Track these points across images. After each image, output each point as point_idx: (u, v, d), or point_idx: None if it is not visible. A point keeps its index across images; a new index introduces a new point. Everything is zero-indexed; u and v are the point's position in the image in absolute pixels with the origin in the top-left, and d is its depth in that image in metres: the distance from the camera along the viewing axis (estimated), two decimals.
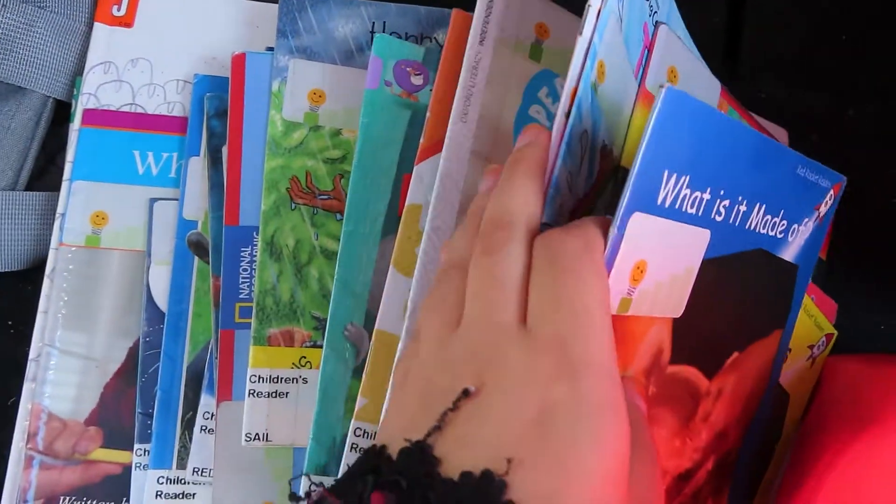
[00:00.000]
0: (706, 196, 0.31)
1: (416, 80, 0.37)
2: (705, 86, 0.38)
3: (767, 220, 0.36)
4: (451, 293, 0.23)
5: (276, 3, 0.42)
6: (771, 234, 0.36)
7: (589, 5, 0.27)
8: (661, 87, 0.26)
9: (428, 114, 0.35)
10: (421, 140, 0.35)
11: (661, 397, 0.32)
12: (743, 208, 0.34)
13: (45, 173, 0.41)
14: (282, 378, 0.35)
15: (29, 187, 0.41)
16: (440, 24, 0.39)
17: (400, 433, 0.20)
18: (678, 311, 0.31)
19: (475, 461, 0.19)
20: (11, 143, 0.40)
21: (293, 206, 0.37)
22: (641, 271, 0.28)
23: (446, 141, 0.34)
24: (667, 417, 0.33)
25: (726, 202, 0.32)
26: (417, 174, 0.35)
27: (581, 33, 0.27)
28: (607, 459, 0.19)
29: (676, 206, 0.29)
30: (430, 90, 0.36)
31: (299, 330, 0.36)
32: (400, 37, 0.39)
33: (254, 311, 0.35)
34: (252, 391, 0.35)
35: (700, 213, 0.31)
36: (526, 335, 0.21)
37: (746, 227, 0.35)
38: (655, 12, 0.33)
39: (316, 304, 0.36)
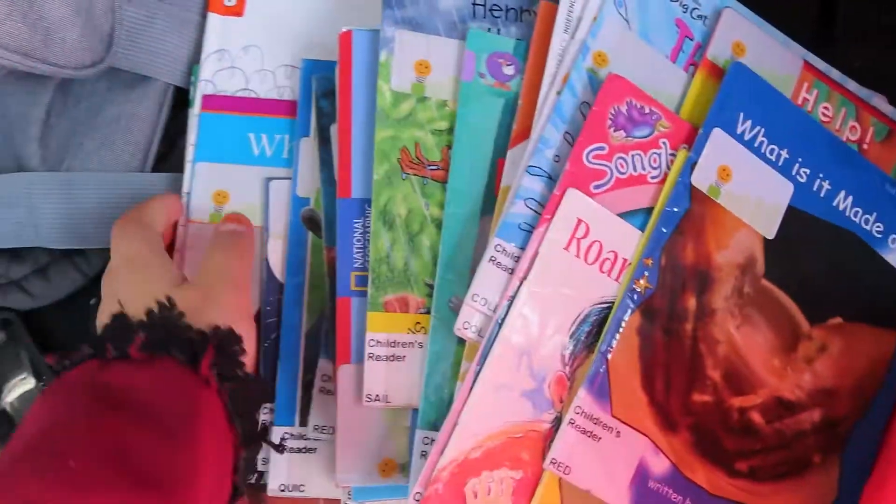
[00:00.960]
0: (784, 154, 0.38)
1: (508, 71, 0.39)
2: (780, 59, 0.40)
3: (858, 212, 0.39)
4: None
5: None
6: (865, 227, 0.39)
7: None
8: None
9: (519, 101, 0.38)
10: (513, 126, 0.37)
11: (757, 304, 0.37)
12: (826, 185, 0.38)
13: (168, 156, 0.45)
14: (398, 342, 0.37)
15: (154, 169, 0.44)
16: None
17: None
18: (769, 232, 0.37)
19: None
20: (139, 129, 0.43)
21: (404, 176, 0.39)
22: (728, 174, 0.37)
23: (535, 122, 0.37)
24: (762, 327, 0.37)
25: (806, 169, 0.38)
26: (511, 158, 0.37)
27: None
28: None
29: (756, 146, 0.37)
30: (521, 80, 0.38)
31: (413, 297, 0.38)
32: (500, 9, 0.40)
33: (370, 278, 0.38)
34: (371, 354, 0.37)
35: (781, 165, 0.38)
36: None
37: (834, 204, 0.38)
38: (695, 9, 0.39)
39: (428, 271, 0.38)
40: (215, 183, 0.41)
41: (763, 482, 0.36)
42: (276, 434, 0.38)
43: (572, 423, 0.34)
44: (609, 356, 0.34)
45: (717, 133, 0.36)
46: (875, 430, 0.38)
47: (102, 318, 0.33)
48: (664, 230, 0.35)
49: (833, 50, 0.41)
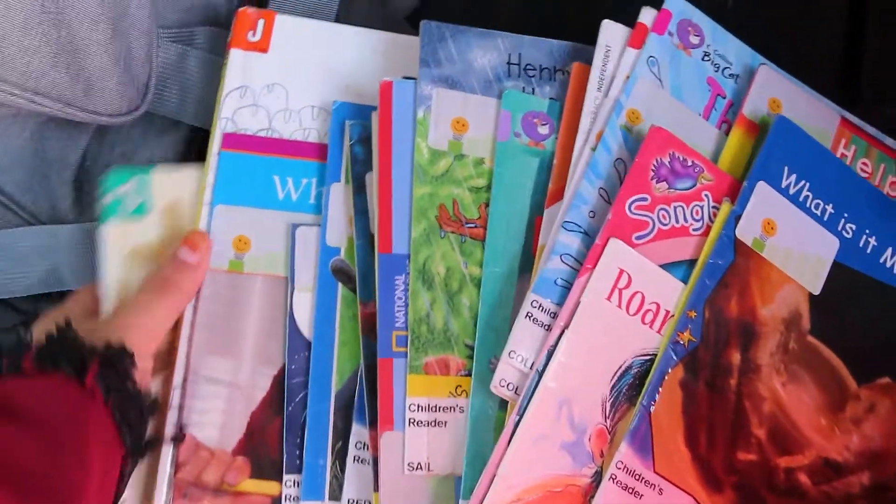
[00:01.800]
0: (829, 208, 0.39)
1: (543, 130, 0.39)
2: (816, 115, 0.41)
3: None
4: None
5: (404, 34, 0.43)
6: None
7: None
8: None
9: (554, 160, 0.38)
10: (549, 185, 0.37)
11: (803, 361, 0.37)
12: (873, 242, 0.39)
13: None
14: (439, 407, 0.35)
15: None
16: (571, 57, 0.40)
17: None
18: (815, 288, 0.38)
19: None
20: None
21: (442, 234, 0.37)
22: (773, 227, 0.37)
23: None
24: (808, 385, 0.37)
25: (852, 225, 0.39)
26: (548, 216, 0.37)
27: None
28: None
29: (800, 200, 0.38)
30: (555, 138, 0.38)
31: (454, 358, 0.36)
32: (534, 69, 0.40)
33: (409, 339, 0.35)
34: (412, 420, 0.34)
35: (826, 219, 0.38)
36: None
37: (881, 261, 0.38)
38: (726, 68, 0.40)
39: (468, 332, 0.36)
40: (236, 227, 0.38)
41: None
42: None
43: (613, 479, 0.33)
44: (651, 409, 0.34)
45: (762, 186, 0.37)
46: None
47: None
48: (708, 282, 0.35)
49: (858, 109, 0.42)
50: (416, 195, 0.37)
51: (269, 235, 0.38)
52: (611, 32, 0.39)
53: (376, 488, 0.34)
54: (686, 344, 0.35)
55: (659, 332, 0.34)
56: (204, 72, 0.43)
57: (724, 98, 0.40)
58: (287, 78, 0.41)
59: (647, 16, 0.39)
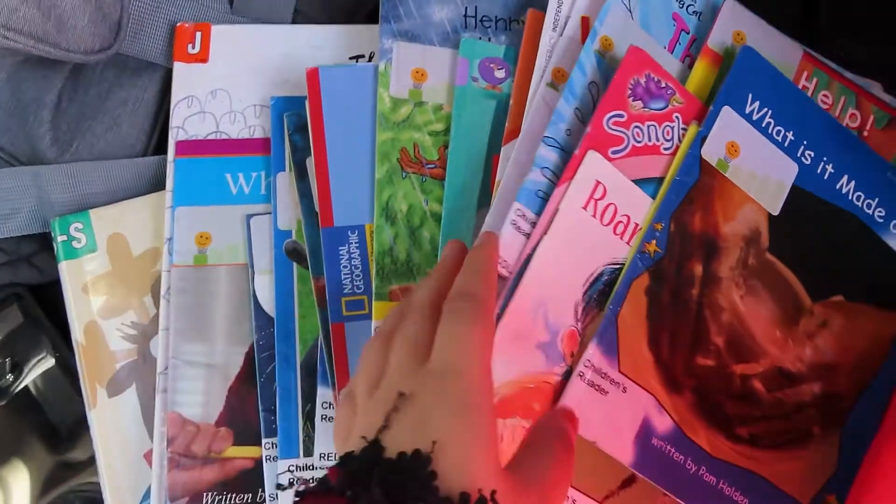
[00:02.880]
0: (790, 136, 0.40)
1: (499, 74, 0.41)
2: (780, 48, 0.42)
3: (860, 196, 0.41)
4: (374, 360, 0.31)
5: (335, 24, 0.46)
6: (868, 211, 0.41)
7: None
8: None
9: (511, 101, 0.40)
10: (506, 125, 0.40)
11: (761, 276, 0.39)
12: (830, 169, 0.41)
13: (166, 138, 0.45)
14: None
15: (155, 151, 0.46)
16: (524, 7, 0.42)
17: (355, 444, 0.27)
18: (773, 208, 0.39)
19: (409, 445, 0.26)
20: (144, 113, 0.46)
21: (404, 174, 0.40)
22: (736, 150, 0.39)
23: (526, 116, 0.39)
24: (765, 299, 0.39)
25: (811, 152, 0.40)
26: (504, 154, 0.39)
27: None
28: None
29: (763, 126, 0.39)
30: (511, 82, 0.40)
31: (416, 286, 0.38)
32: (490, 20, 0.43)
33: (373, 270, 0.39)
34: None
35: (786, 146, 0.40)
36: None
37: (837, 187, 0.40)
38: (690, 5, 0.41)
39: (429, 262, 0.39)
40: (197, 225, 0.42)
41: (763, 449, 0.37)
42: (282, 467, 0.38)
43: (581, 376, 0.35)
44: (618, 314, 0.36)
45: (727, 110, 0.38)
46: (875, 408, 0.40)
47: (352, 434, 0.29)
48: (674, 197, 0.37)
49: (818, 47, 0.43)
50: (379, 140, 0.41)
51: (227, 228, 0.42)
52: None
53: None
54: (652, 254, 0.37)
55: (628, 242, 0.36)
56: (180, 13, 0.45)
57: (688, 34, 0.41)
58: (228, 83, 0.44)
59: None
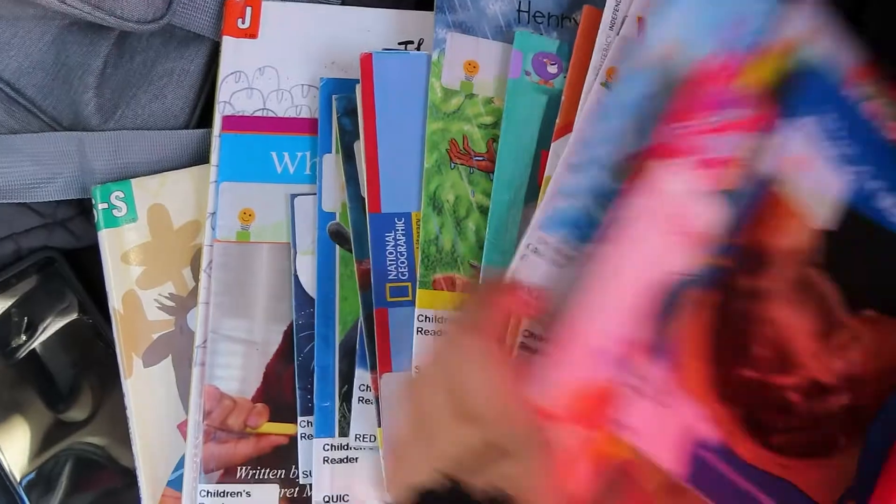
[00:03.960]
0: (847, 150, 0.38)
1: (552, 69, 0.41)
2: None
3: None
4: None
5: (385, 8, 0.46)
6: None
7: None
8: None
9: (563, 97, 0.40)
10: (556, 120, 0.40)
11: (801, 286, 0.38)
12: (875, 185, 0.40)
13: (211, 112, 0.45)
14: (444, 319, 0.39)
15: (198, 124, 0.46)
16: (578, 5, 0.43)
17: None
18: (823, 223, 0.38)
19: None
20: (189, 84, 0.45)
21: (452, 165, 0.41)
22: (795, 164, 0.37)
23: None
24: (803, 309, 0.39)
25: (859, 167, 0.39)
26: (554, 150, 0.40)
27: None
28: None
29: (823, 142, 0.38)
30: (564, 77, 0.41)
31: (460, 276, 0.40)
32: (542, 16, 0.43)
33: (419, 258, 0.40)
34: (419, 329, 0.38)
35: (839, 161, 0.38)
36: None
37: (881, 206, 0.40)
38: None
39: (473, 254, 0.40)
40: (240, 202, 0.42)
41: (794, 458, 0.38)
42: (317, 445, 0.39)
43: (636, 389, 0.35)
44: (674, 324, 0.36)
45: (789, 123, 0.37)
46: (893, 419, 0.41)
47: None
48: (733, 210, 0.37)
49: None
50: (429, 130, 0.41)
51: (271, 206, 0.42)
52: None
53: (379, 424, 0.38)
54: (710, 267, 0.36)
55: (693, 254, 0.36)
56: None
57: (752, 30, 0.37)
58: (277, 60, 0.44)
59: None
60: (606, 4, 0.40)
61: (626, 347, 0.36)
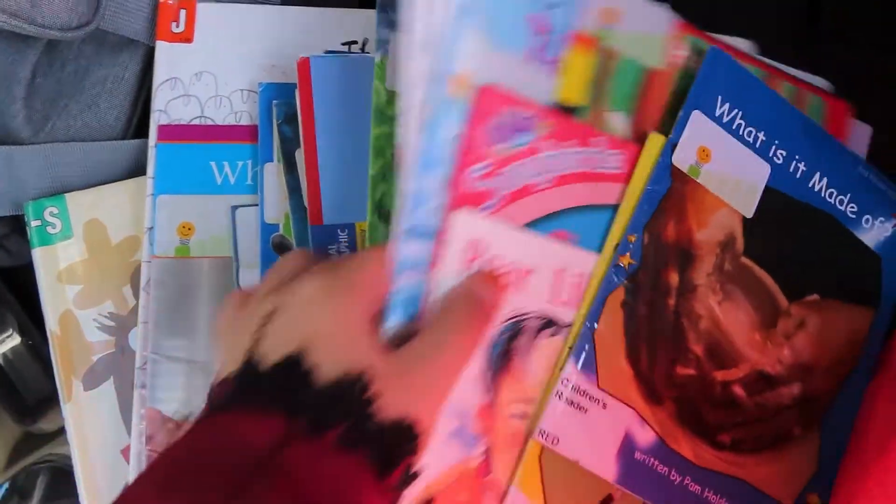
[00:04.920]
0: (761, 136, 0.39)
1: None
2: (649, 17, 0.38)
3: (833, 193, 0.41)
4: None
5: (324, 7, 0.44)
6: (840, 208, 0.41)
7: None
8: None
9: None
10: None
11: (737, 281, 0.38)
12: (802, 167, 0.40)
13: (147, 120, 0.43)
14: None
15: (136, 133, 0.45)
16: None
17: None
18: (747, 211, 0.38)
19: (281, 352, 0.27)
20: (124, 92, 0.44)
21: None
22: (707, 155, 0.38)
23: None
24: (743, 303, 0.38)
25: (783, 151, 0.40)
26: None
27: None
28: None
29: (734, 128, 0.38)
30: None
31: None
32: None
33: None
34: None
35: (758, 146, 0.39)
36: None
37: (810, 185, 0.40)
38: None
39: None
40: (179, 215, 0.40)
41: (745, 454, 0.38)
42: None
43: (559, 395, 0.34)
44: (594, 330, 0.35)
45: (697, 115, 0.37)
46: (851, 405, 0.40)
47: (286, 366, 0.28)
48: (646, 208, 0.36)
49: (818, 48, 0.43)
50: (374, 135, 0.38)
51: (211, 219, 0.41)
52: None
53: None
54: (627, 267, 0.36)
55: (519, 291, 0.34)
56: None
57: (550, 33, 0.35)
58: (214, 65, 0.42)
59: None
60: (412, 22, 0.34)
61: (480, 415, 0.34)
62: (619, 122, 0.37)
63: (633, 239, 0.36)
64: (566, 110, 0.36)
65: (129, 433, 0.39)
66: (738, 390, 0.38)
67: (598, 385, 0.35)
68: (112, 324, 0.41)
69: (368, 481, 0.26)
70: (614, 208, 0.36)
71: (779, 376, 0.39)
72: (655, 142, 0.37)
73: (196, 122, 0.42)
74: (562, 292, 0.35)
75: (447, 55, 0.33)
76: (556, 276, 0.35)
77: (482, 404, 0.34)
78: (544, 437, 0.34)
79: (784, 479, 0.38)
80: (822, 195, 0.40)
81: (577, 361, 0.35)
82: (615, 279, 0.36)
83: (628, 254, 0.36)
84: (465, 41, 0.33)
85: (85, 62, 0.43)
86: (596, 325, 0.35)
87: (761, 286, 0.39)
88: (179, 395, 0.39)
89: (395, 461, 0.27)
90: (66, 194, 0.41)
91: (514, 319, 0.35)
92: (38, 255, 0.41)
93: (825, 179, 0.40)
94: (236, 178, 0.41)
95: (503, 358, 0.34)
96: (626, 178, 0.36)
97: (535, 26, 0.36)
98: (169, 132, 0.41)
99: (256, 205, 0.40)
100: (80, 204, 0.41)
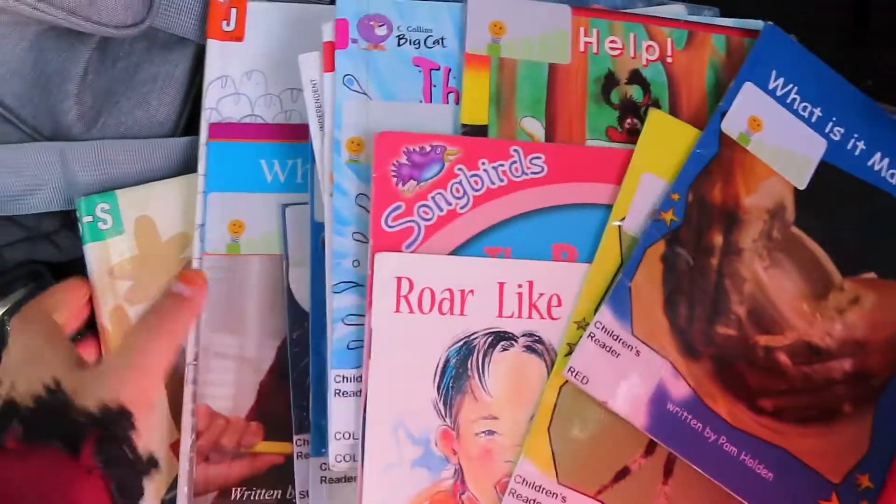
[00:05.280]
0: (817, 112, 0.40)
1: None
2: (548, 18, 0.39)
3: (894, 173, 0.39)
4: None
5: None
6: None
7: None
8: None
9: None
10: None
11: (786, 249, 0.38)
12: (861, 146, 0.40)
13: (198, 118, 0.43)
14: None
15: (185, 130, 0.45)
16: None
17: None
18: (800, 183, 0.39)
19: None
20: (174, 90, 0.44)
21: None
22: (758, 124, 0.38)
23: None
24: (791, 272, 0.39)
25: (840, 129, 0.40)
26: None
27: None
28: None
29: (788, 101, 0.39)
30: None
31: None
32: None
33: None
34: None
35: (813, 121, 0.39)
36: None
37: (869, 164, 0.39)
38: (427, 38, 0.38)
39: None
40: (230, 213, 0.41)
41: (788, 423, 0.37)
42: (314, 465, 0.38)
43: (591, 337, 0.35)
44: (629, 283, 0.35)
45: (748, 86, 0.38)
46: None
47: None
48: (692, 169, 0.37)
49: (864, 51, 0.43)
50: None
51: (261, 217, 0.41)
52: (310, 64, 0.38)
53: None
54: (668, 223, 0.36)
55: (462, 314, 0.35)
56: None
57: (439, 69, 0.38)
58: (264, 63, 0.43)
59: (327, 32, 0.38)
60: (307, 105, 0.38)
61: (441, 439, 0.35)
62: (533, 127, 0.38)
63: (675, 197, 0.37)
64: (474, 131, 0.37)
65: (178, 429, 0.40)
66: (783, 357, 0.38)
67: (632, 332, 0.35)
68: None
69: (65, 466, 0.30)
70: (548, 211, 0.36)
71: (828, 349, 0.38)
72: (656, 118, 0.37)
73: (246, 120, 0.42)
74: (507, 305, 0.35)
75: (336, 126, 0.37)
76: (499, 290, 0.36)
77: (443, 428, 0.35)
78: (574, 375, 0.35)
79: (831, 456, 0.37)
80: (883, 175, 0.40)
81: (611, 306, 0.35)
82: (656, 233, 0.36)
83: (671, 210, 0.37)
84: (348, 108, 0.37)
85: (136, 59, 0.43)
86: (634, 275, 0.36)
87: (812, 258, 0.39)
88: (229, 391, 0.39)
89: (85, 441, 0.30)
90: (117, 191, 0.42)
91: (463, 340, 0.35)
92: (90, 250, 0.41)
93: (886, 159, 0.40)
94: (286, 177, 0.41)
95: (458, 380, 0.35)
96: (554, 179, 0.36)
97: (424, 65, 0.38)
98: (220, 130, 0.41)
99: (307, 203, 0.41)
100: (132, 200, 0.42)
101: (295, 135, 0.42)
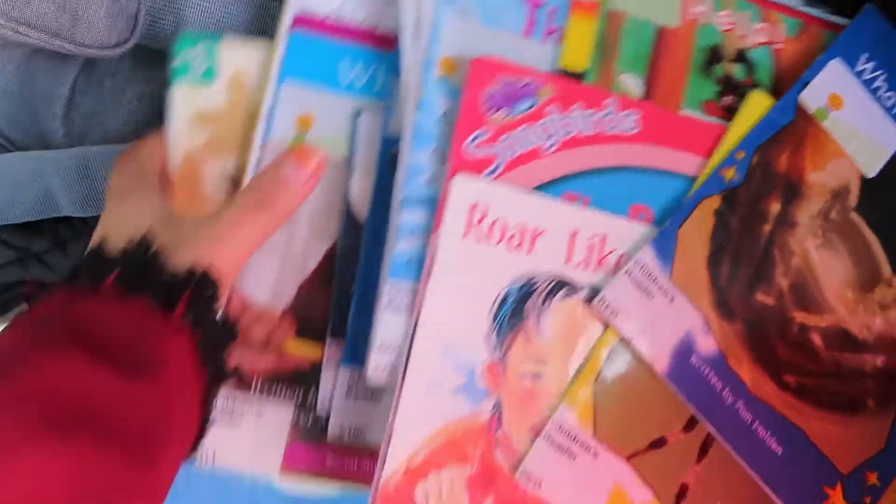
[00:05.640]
0: None
1: None
2: None
3: None
4: None
5: None
6: None
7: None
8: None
9: None
10: None
11: (842, 233, 0.38)
12: None
13: None
14: None
15: None
16: None
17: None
18: (869, 170, 0.38)
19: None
20: (162, 110, 0.42)
21: None
22: (839, 103, 0.38)
23: None
24: (842, 256, 0.38)
25: None
26: None
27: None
28: None
29: (874, 87, 0.39)
30: None
31: None
32: None
33: None
34: None
35: (895, 112, 0.39)
36: None
37: None
38: None
39: None
40: (300, 107, 0.39)
41: (808, 404, 0.37)
42: (343, 375, 0.37)
43: (629, 273, 0.35)
44: (680, 226, 0.35)
45: (835, 63, 0.38)
46: None
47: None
48: (763, 132, 0.37)
49: None
50: None
51: (331, 118, 0.39)
52: None
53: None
54: (728, 180, 0.36)
55: (529, 252, 0.35)
56: (197, 3, 0.42)
57: (544, 6, 0.37)
58: None
59: None
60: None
61: (487, 372, 0.35)
62: (631, 84, 0.38)
63: (741, 156, 0.36)
64: (571, 76, 0.37)
65: None
66: (817, 339, 0.38)
67: (670, 277, 0.35)
68: (228, 186, 0.39)
69: (156, 319, 0.30)
70: (633, 170, 0.36)
71: (864, 341, 0.38)
72: (757, 99, 0.37)
73: (332, 18, 0.41)
74: (576, 254, 0.35)
75: (432, 41, 0.36)
76: (570, 237, 0.35)
77: (490, 362, 0.35)
78: (604, 306, 0.34)
79: (845, 446, 0.38)
80: None
81: (655, 246, 0.35)
82: (714, 186, 0.36)
83: (733, 167, 0.36)
84: (448, 26, 0.36)
85: (122, 78, 0.43)
86: (683, 222, 0.35)
87: (866, 247, 0.39)
88: (269, 283, 0.38)
89: (179, 299, 0.31)
90: (219, 42, 0.39)
91: (526, 280, 0.35)
92: (176, 92, 0.38)
93: None
94: (365, 82, 0.40)
95: (514, 318, 0.35)
96: (646, 139, 0.36)
97: (530, 1, 0.37)
98: (304, 22, 0.40)
99: (381, 114, 0.39)
100: (233, 51, 0.39)
101: (381, 42, 0.40)
